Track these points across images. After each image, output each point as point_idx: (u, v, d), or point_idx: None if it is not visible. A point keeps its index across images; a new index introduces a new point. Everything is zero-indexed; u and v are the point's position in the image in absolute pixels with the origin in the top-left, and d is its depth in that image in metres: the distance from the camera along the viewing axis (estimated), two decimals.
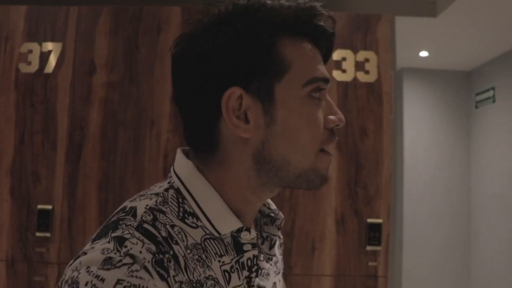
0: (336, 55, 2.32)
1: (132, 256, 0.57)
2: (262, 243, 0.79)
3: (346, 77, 2.31)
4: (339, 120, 0.73)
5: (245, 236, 0.69)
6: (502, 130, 3.90)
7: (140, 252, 0.58)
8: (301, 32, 0.70)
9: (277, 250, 0.87)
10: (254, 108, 0.67)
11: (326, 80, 0.71)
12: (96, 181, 2.28)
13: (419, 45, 3.88)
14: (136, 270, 0.56)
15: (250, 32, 0.66)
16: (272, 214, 0.81)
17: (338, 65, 2.32)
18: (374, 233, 2.19)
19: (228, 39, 0.66)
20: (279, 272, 0.85)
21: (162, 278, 0.58)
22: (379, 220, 2.21)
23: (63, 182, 2.30)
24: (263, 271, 0.76)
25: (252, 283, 0.71)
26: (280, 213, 0.81)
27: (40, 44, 2.37)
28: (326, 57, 0.76)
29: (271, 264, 0.80)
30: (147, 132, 2.30)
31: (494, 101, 4.04)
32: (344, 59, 2.33)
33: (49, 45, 2.37)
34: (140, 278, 0.56)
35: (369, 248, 2.20)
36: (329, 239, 2.22)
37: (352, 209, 2.22)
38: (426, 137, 4.43)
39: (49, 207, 2.28)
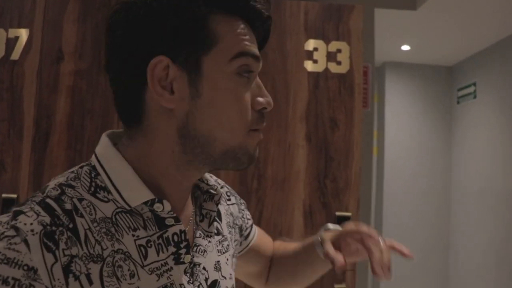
0: (308, 45, 2.29)
1: (16, 229, 0.58)
2: (202, 220, 0.79)
3: (318, 68, 2.28)
4: (267, 104, 0.73)
5: (158, 209, 0.68)
6: (483, 126, 3.89)
7: (31, 224, 0.59)
8: (236, 12, 0.70)
9: (226, 229, 0.87)
10: (180, 79, 0.67)
11: (255, 57, 0.70)
12: (62, 170, 2.21)
13: (401, 39, 3.86)
14: (15, 243, 0.56)
15: (183, 3, 0.66)
16: (211, 190, 0.80)
17: (309, 55, 2.29)
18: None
19: (161, 8, 0.65)
20: (225, 251, 0.83)
21: (49, 250, 0.58)
22: (348, 214, 2.18)
23: (29, 171, 2.26)
24: (199, 248, 0.75)
25: (181, 259, 0.70)
26: (220, 188, 0.82)
27: (7, 30, 2.31)
28: (263, 42, 0.76)
29: (210, 241, 0.79)
30: (115, 121, 2.26)
31: (475, 96, 4.03)
32: (316, 49, 2.30)
33: (16, 31, 2.32)
34: (17, 251, 0.56)
35: None
36: (297, 232, 2.19)
37: (321, 202, 2.19)
38: (408, 131, 4.41)
39: (14, 196, 2.24)
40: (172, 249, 0.69)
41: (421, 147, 4.41)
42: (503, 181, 3.56)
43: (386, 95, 4.38)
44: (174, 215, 0.69)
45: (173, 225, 0.69)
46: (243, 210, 0.99)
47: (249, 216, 1.02)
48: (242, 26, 0.70)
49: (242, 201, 1.02)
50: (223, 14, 0.68)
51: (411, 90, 4.44)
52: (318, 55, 2.29)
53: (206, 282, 0.75)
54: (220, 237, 0.83)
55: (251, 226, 1.02)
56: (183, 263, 0.70)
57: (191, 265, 0.72)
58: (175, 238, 0.69)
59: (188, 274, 0.71)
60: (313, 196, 2.20)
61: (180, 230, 0.70)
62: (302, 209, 2.20)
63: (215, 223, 0.83)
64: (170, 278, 0.68)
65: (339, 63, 2.29)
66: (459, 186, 4.21)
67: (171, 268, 0.69)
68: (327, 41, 2.31)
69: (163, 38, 0.66)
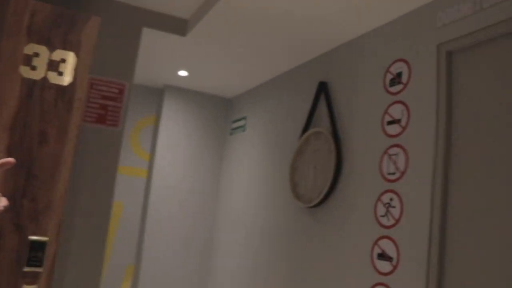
0: (28, 49, 2.07)
1: None
2: None
3: (35, 75, 2.06)
4: None
5: None
6: (247, 159, 4.03)
7: None
8: None
9: None
10: None
11: None
12: None
13: (177, 64, 3.84)
14: None
15: None
16: None
17: (28, 60, 2.06)
18: (36, 253, 1.95)
19: None
20: None
21: None
22: (45, 238, 1.98)
23: None
24: None
25: None
26: None
27: None
28: None
29: None
30: None
31: (244, 130, 4.17)
32: (36, 54, 2.08)
33: None
34: None
35: (27, 269, 1.94)
36: None
37: (14, 224, 1.95)
38: (181, 157, 4.39)
39: None
40: None
41: (193, 174, 4.43)
42: (254, 212, 3.71)
43: (162, 119, 4.33)
44: None
45: None
46: None
47: None
48: None
49: None
50: None
51: (189, 116, 4.46)
52: (38, 62, 2.08)
53: None
54: None
55: None
56: None
57: None
58: None
59: None
60: (5, 217, 1.94)
61: None
62: None
63: None
64: None
65: (60, 73, 2.10)
66: (223, 216, 4.30)
67: None
68: (51, 48, 2.11)
69: None
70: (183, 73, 4.03)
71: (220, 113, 4.60)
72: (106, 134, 2.96)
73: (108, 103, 3.00)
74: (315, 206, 2.88)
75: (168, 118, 4.37)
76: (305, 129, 3.14)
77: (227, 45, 3.30)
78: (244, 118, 4.23)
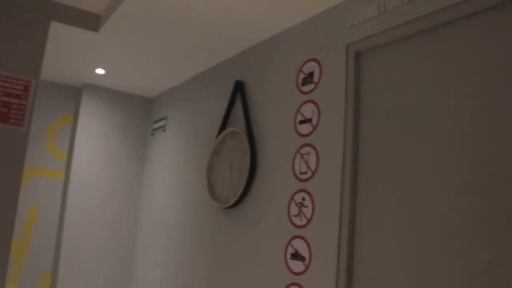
0: None
1: None
2: None
3: None
4: None
5: None
6: (167, 160, 3.93)
7: None
8: None
9: None
10: None
11: None
12: None
13: (93, 61, 3.67)
14: None
15: None
16: None
17: None
18: None
19: None
20: None
21: None
22: None
23: None
24: None
25: None
26: None
27: None
28: None
29: None
30: None
31: (165, 130, 4.07)
32: None
33: None
34: None
35: None
36: None
37: None
38: (100, 158, 4.21)
39: None
40: None
41: (113, 175, 4.26)
42: (174, 213, 3.62)
43: (80, 119, 4.13)
44: None
45: None
46: None
47: None
48: None
49: None
50: None
51: (109, 116, 4.29)
52: None
53: None
54: None
55: None
56: None
57: None
58: None
59: None
60: None
61: None
62: None
63: None
64: None
65: None
66: (144, 218, 4.17)
67: None
68: None
69: None
70: (100, 71, 3.87)
71: (141, 113, 4.47)
72: (10, 133, 2.77)
73: (12, 100, 2.81)
74: (231, 206, 2.84)
75: (86, 118, 4.18)
76: (222, 128, 3.09)
77: (142, 43, 3.19)
78: (165, 118, 4.12)
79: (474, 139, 1.64)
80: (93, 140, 4.20)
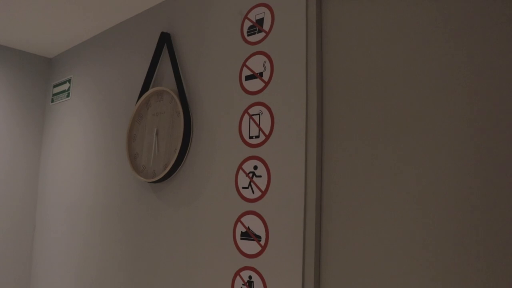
0: None
1: None
2: None
3: None
4: None
5: None
6: (74, 129, 3.36)
7: None
8: None
9: None
10: None
11: None
12: None
13: None
14: None
15: None
16: None
17: None
18: None
19: None
20: None
21: None
22: None
23: None
24: None
25: None
26: None
27: None
28: None
29: None
30: None
31: (68, 95, 3.48)
32: None
33: None
34: None
35: None
36: None
37: None
38: None
39: None
40: None
41: (4, 152, 3.59)
42: (83, 193, 3.09)
43: None
44: None
45: None
46: None
47: None
48: None
49: None
50: None
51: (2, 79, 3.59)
52: None
53: None
54: None
55: None
56: None
57: None
58: None
59: None
60: None
61: None
62: None
63: None
64: None
65: None
66: (46, 199, 3.57)
67: None
68: None
69: None
70: None
71: (38, 76, 3.80)
72: None
73: None
74: (160, 180, 2.41)
75: None
76: (144, 89, 2.62)
77: None
78: (68, 81, 3.52)
79: (458, 100, 1.37)
80: None
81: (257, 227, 1.90)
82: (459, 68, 1.43)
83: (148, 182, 2.48)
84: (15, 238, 3.60)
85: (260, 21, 2.05)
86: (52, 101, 3.70)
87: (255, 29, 2.07)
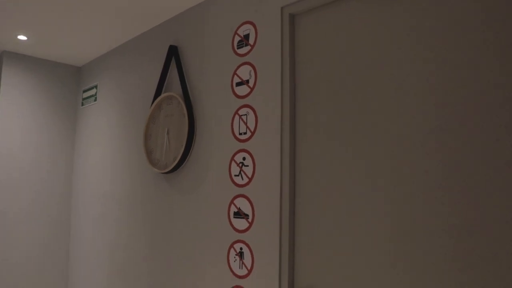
0: None
1: None
2: None
3: None
4: None
5: None
6: (100, 130, 3.85)
7: None
8: None
9: None
10: None
11: None
12: None
13: (13, 26, 3.48)
14: None
15: None
16: None
17: None
18: None
19: None
20: None
21: None
22: None
23: None
24: None
25: None
26: None
27: None
28: None
29: None
30: None
31: (96, 99, 3.97)
32: None
33: None
34: None
35: None
36: None
37: None
38: (26, 133, 4.05)
39: None
40: None
41: (43, 150, 4.11)
42: (112, 184, 3.58)
43: (1, 87, 3.92)
44: None
45: None
46: None
47: None
48: None
49: None
50: None
51: (33, 86, 4.10)
52: None
53: None
54: None
55: None
56: None
57: None
58: None
59: None
60: None
61: None
62: None
63: None
64: None
65: None
66: (80, 191, 4.09)
67: None
68: None
69: None
70: (22, 37, 3.67)
71: (69, 83, 4.31)
72: None
73: None
74: (171, 171, 2.86)
75: (8, 88, 3.98)
76: (157, 94, 3.07)
77: (67, 6, 3.07)
78: (95, 86, 4.01)
79: (414, 104, 1.76)
80: (17, 112, 4.02)
81: (246, 207, 2.33)
82: (417, 76, 1.81)
83: (162, 173, 2.93)
84: (57, 219, 4.14)
85: (247, 36, 2.46)
86: (82, 104, 4.20)
87: (243, 43, 2.48)
